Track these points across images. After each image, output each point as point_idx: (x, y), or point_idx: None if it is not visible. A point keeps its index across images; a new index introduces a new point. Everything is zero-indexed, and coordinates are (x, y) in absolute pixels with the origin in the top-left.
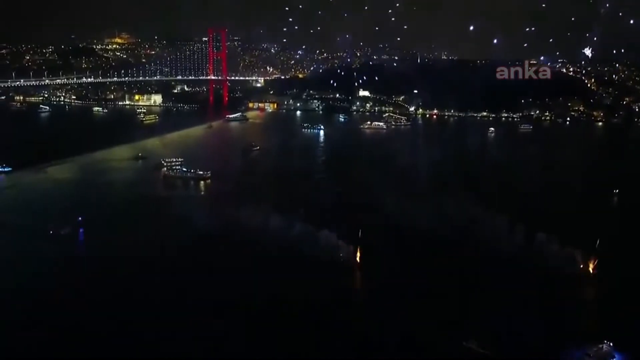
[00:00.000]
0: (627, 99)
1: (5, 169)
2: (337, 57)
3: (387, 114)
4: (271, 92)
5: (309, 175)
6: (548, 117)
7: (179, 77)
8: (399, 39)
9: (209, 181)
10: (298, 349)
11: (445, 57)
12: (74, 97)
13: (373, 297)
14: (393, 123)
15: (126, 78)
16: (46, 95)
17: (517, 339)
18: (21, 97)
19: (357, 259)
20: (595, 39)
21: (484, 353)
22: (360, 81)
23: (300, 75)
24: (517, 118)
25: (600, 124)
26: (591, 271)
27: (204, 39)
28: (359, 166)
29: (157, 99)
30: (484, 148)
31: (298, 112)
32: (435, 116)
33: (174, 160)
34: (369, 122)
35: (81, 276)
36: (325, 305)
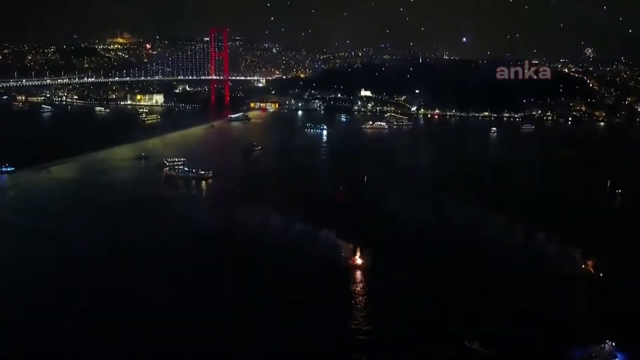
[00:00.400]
0: (629, 98)
1: (8, 169)
2: (338, 57)
3: (388, 114)
4: (273, 92)
5: (311, 175)
6: (550, 117)
7: (181, 77)
8: (400, 38)
9: (210, 181)
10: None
11: (447, 57)
12: (76, 97)
13: (373, 294)
14: (395, 123)
15: (128, 78)
16: (48, 95)
17: (518, 339)
18: (23, 97)
19: (358, 258)
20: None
21: (485, 353)
22: (362, 81)
23: (302, 75)
24: (518, 118)
25: (602, 123)
26: (593, 271)
27: (205, 38)
28: (364, 167)
29: (158, 98)
30: (487, 148)
31: (300, 112)
32: (436, 116)
33: (176, 160)
34: (370, 122)
35: (82, 276)
36: (325, 304)
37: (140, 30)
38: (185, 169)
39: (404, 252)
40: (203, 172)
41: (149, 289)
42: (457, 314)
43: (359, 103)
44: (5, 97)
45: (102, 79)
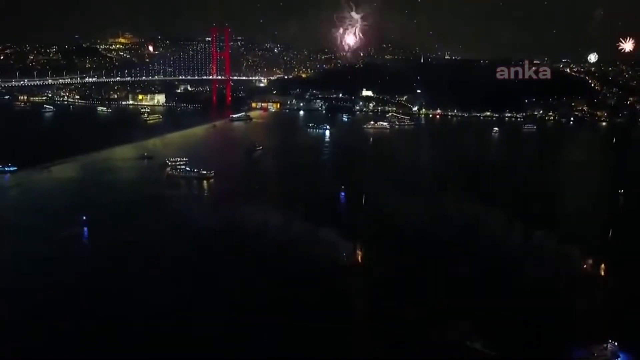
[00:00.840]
0: (631, 98)
1: (11, 169)
2: (340, 57)
3: (390, 114)
4: (274, 92)
5: (313, 175)
6: (551, 117)
7: (182, 77)
8: (401, 38)
9: (212, 181)
10: None
11: (448, 57)
12: (78, 96)
13: (374, 294)
14: (397, 123)
15: (129, 78)
16: (50, 95)
17: (521, 339)
18: (25, 97)
19: (360, 257)
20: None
21: (488, 353)
22: (363, 81)
23: (304, 75)
24: (520, 118)
25: (604, 124)
26: (595, 271)
27: (207, 38)
28: (366, 166)
29: (160, 98)
30: (490, 148)
31: (301, 112)
32: (438, 116)
33: (179, 159)
34: (372, 122)
35: (82, 275)
36: (326, 304)
37: (142, 30)
38: (187, 168)
39: (405, 252)
40: (205, 172)
41: (149, 288)
42: (458, 314)
43: (361, 103)
44: (7, 97)
45: (103, 79)
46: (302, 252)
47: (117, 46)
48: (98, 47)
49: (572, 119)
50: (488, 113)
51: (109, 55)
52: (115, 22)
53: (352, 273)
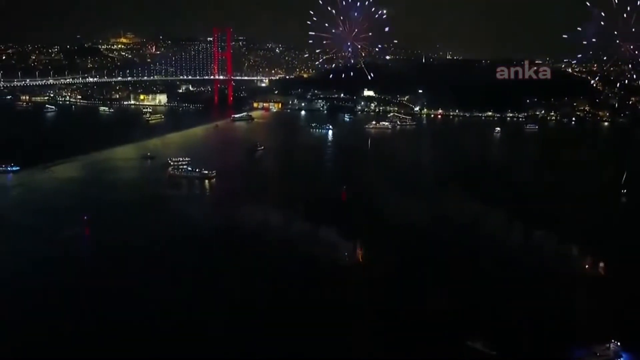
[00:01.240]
0: (633, 98)
1: (14, 168)
2: (341, 57)
3: (392, 114)
4: (276, 92)
5: (315, 175)
6: (553, 117)
7: (184, 77)
8: (403, 38)
9: (214, 180)
10: None
11: (450, 57)
12: (80, 96)
13: (374, 294)
14: (398, 123)
15: (131, 78)
16: (52, 95)
17: (522, 339)
18: (27, 97)
19: (361, 257)
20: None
21: (488, 353)
22: (365, 81)
23: (305, 75)
24: (522, 118)
25: (606, 124)
26: (598, 271)
27: (208, 38)
28: (368, 166)
29: (162, 98)
30: (492, 148)
31: (303, 112)
32: (440, 116)
33: (181, 159)
34: (374, 122)
35: (83, 275)
36: (326, 304)
37: (144, 30)
38: (189, 168)
39: (406, 252)
40: (206, 172)
41: (150, 288)
42: (459, 313)
43: (362, 103)
44: (9, 97)
45: (105, 79)
46: (303, 251)
47: (119, 46)
48: (100, 47)
49: (573, 119)
50: (490, 113)
51: (110, 55)
52: (117, 22)
53: (352, 272)
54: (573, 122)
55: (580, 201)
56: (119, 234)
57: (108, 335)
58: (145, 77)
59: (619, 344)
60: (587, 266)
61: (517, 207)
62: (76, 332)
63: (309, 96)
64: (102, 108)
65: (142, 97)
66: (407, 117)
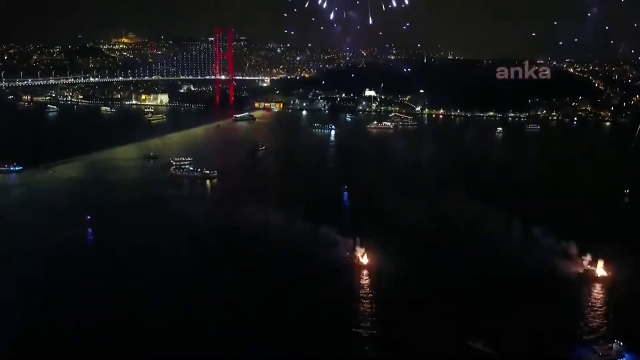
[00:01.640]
0: (635, 98)
1: (17, 168)
2: (343, 57)
3: (393, 114)
4: (277, 91)
5: (316, 175)
6: (555, 117)
7: (185, 77)
8: (404, 38)
9: (215, 180)
10: None
11: (451, 57)
12: (81, 96)
13: (376, 294)
14: (400, 123)
15: (133, 78)
16: (53, 95)
17: (524, 339)
18: (29, 97)
19: (363, 257)
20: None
21: (489, 353)
22: (366, 81)
23: (306, 75)
24: (523, 118)
25: (607, 123)
26: (600, 271)
27: (210, 38)
28: (371, 166)
29: (163, 98)
30: (494, 148)
31: (304, 112)
32: (441, 116)
33: (183, 159)
34: (375, 122)
35: (84, 275)
36: (326, 304)
37: (145, 30)
38: (191, 168)
39: (407, 252)
40: (208, 172)
41: (151, 288)
42: (461, 314)
43: (364, 103)
44: (11, 97)
45: (107, 79)
46: (304, 251)
47: (120, 46)
48: (101, 47)
49: (575, 119)
50: (491, 113)
51: (112, 55)
52: (119, 22)
53: (354, 272)
54: (575, 122)
55: (582, 201)
56: (120, 234)
57: (108, 335)
58: (147, 77)
59: (621, 343)
60: (589, 266)
61: (518, 207)
62: (76, 332)
63: (310, 96)
64: (103, 108)
65: (143, 97)
66: (409, 117)
